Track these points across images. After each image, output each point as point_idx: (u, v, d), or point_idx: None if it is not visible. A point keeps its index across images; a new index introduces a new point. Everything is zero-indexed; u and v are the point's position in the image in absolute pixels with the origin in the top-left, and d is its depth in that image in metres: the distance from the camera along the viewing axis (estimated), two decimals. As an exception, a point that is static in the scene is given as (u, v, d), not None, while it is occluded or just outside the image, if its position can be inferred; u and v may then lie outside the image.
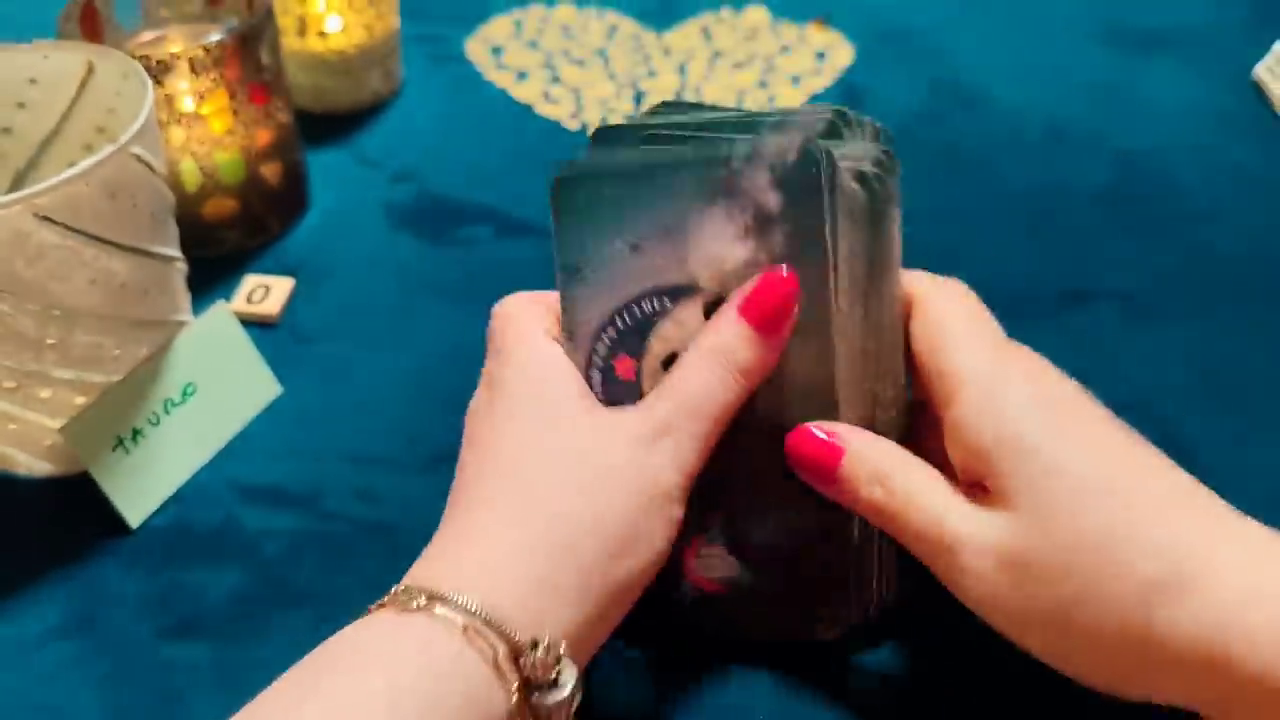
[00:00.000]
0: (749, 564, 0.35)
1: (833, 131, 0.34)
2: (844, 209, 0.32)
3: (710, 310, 0.33)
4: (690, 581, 0.35)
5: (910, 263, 0.53)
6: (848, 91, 0.68)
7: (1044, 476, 0.29)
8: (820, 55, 0.71)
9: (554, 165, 0.36)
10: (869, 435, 0.33)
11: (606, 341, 0.34)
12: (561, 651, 0.28)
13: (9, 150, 0.45)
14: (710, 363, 0.32)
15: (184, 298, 0.44)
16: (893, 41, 0.72)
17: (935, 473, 0.32)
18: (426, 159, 0.62)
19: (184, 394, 0.43)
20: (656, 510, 0.31)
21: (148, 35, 0.54)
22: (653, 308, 0.34)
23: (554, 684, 0.28)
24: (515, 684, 0.28)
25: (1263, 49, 0.67)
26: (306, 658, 0.28)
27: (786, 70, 0.70)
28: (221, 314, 0.45)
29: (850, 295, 0.33)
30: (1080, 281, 0.52)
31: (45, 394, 0.39)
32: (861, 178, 0.33)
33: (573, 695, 0.29)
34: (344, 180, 0.60)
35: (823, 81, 0.69)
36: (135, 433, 0.42)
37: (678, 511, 0.32)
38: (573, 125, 0.65)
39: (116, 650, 0.38)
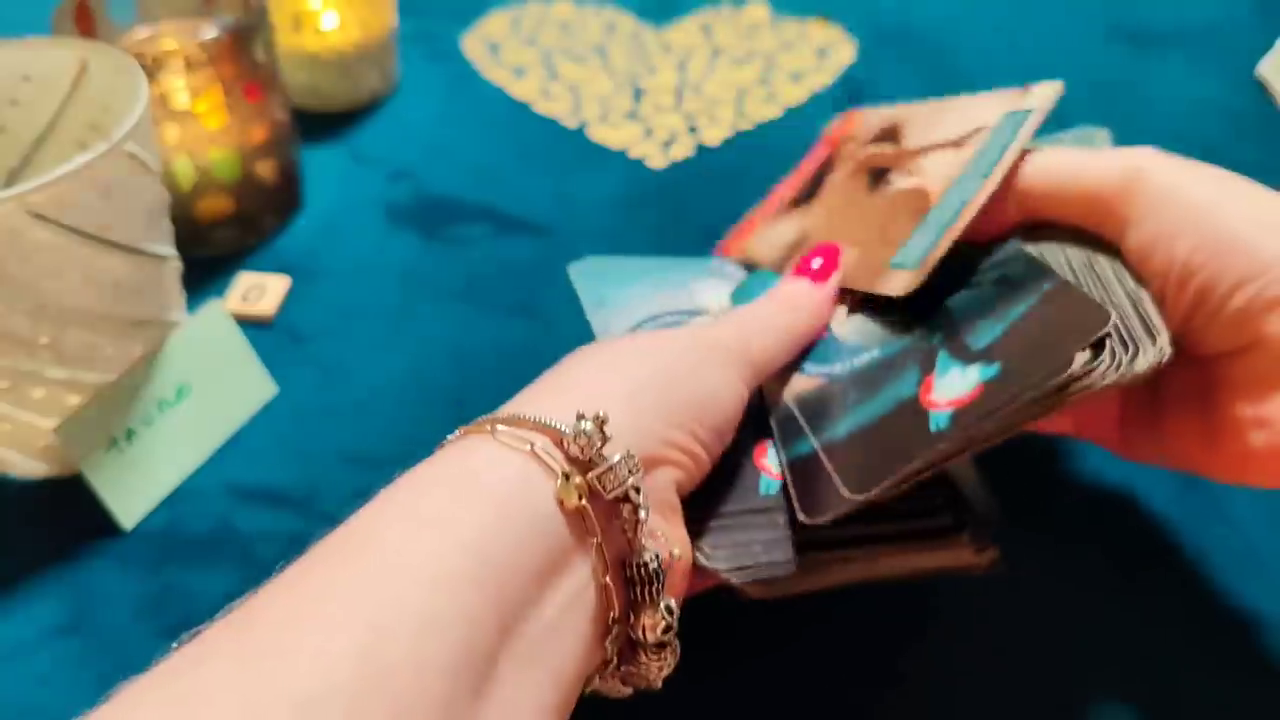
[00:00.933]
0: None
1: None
2: None
3: None
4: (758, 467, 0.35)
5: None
6: (849, 89, 0.67)
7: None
8: (822, 52, 0.71)
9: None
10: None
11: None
12: (601, 419, 0.27)
13: (1, 147, 0.44)
14: (771, 297, 0.37)
15: (178, 297, 0.44)
16: (895, 38, 0.72)
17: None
18: (423, 157, 0.62)
19: (178, 394, 0.43)
20: (711, 360, 0.32)
21: (142, 32, 0.54)
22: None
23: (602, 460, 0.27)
24: (562, 468, 0.26)
25: (1267, 46, 0.67)
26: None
27: (788, 67, 0.70)
28: (216, 313, 0.45)
29: None
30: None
31: (39, 394, 0.39)
32: None
33: (629, 470, 0.27)
34: (340, 178, 0.60)
35: (824, 79, 0.68)
36: (129, 433, 0.41)
37: (734, 377, 0.32)
38: (571, 123, 0.65)
39: (111, 652, 0.38)
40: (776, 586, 0.32)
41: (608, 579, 0.26)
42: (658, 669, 0.28)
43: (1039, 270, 0.33)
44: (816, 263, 0.38)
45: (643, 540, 0.27)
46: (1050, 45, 0.71)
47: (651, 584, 0.27)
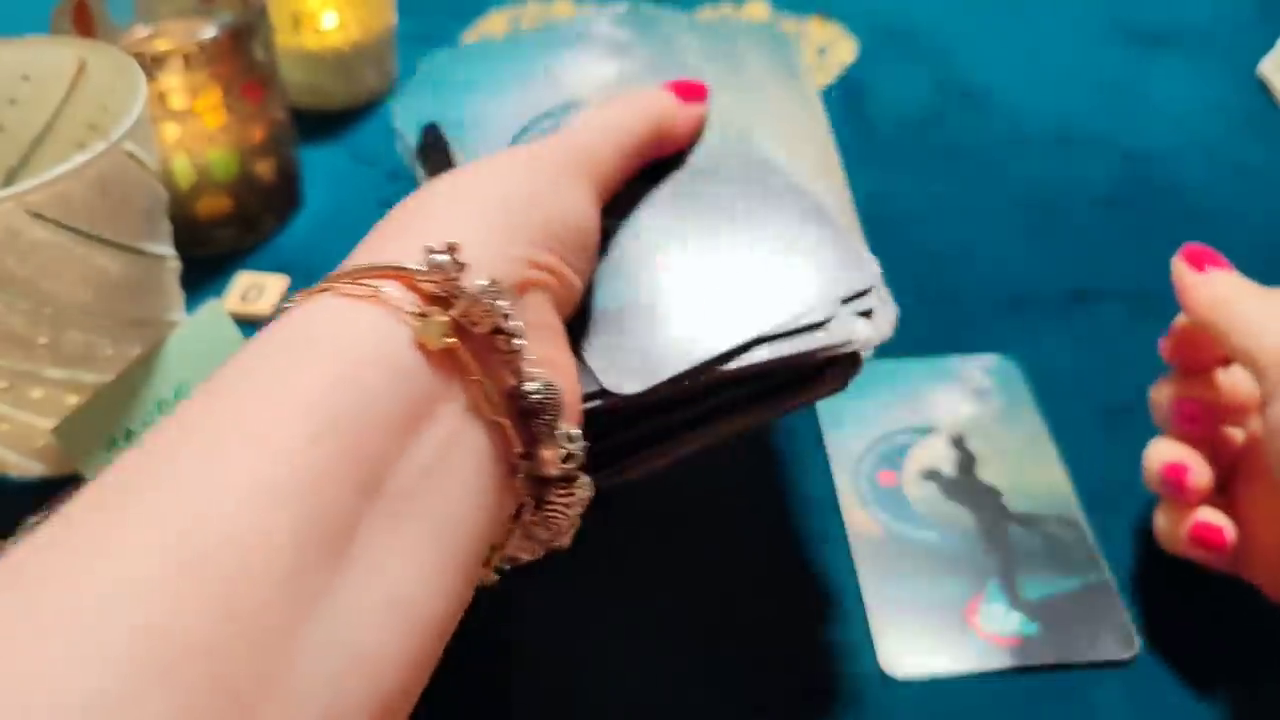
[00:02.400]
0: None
1: None
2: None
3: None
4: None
5: (913, 262, 0.53)
6: (850, 88, 0.67)
7: None
8: (822, 51, 0.71)
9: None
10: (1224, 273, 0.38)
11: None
12: (453, 247, 0.25)
13: (0, 147, 0.44)
14: (629, 99, 0.35)
15: (177, 296, 0.44)
16: (896, 38, 0.72)
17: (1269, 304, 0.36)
18: (423, 156, 0.61)
19: (177, 394, 0.43)
20: (559, 177, 0.30)
21: (141, 31, 0.54)
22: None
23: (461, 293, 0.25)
24: (416, 309, 0.24)
25: (1268, 46, 0.67)
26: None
27: (787, 67, 0.69)
28: (215, 313, 0.44)
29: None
30: (1085, 281, 0.52)
31: (37, 394, 0.39)
32: None
33: (496, 297, 0.25)
34: (339, 178, 0.60)
35: (824, 78, 0.68)
36: (128, 433, 0.41)
37: (583, 191, 0.31)
38: (571, 122, 0.65)
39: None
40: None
41: (500, 418, 0.25)
42: (567, 508, 0.26)
43: None
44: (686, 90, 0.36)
45: (525, 369, 0.25)
46: (1051, 45, 0.71)
47: (542, 414, 0.25)
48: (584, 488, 0.27)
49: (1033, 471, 0.42)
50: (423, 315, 0.24)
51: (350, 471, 0.21)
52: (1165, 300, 0.51)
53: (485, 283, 0.25)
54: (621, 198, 0.33)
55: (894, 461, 0.42)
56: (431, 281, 0.24)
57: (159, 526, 0.19)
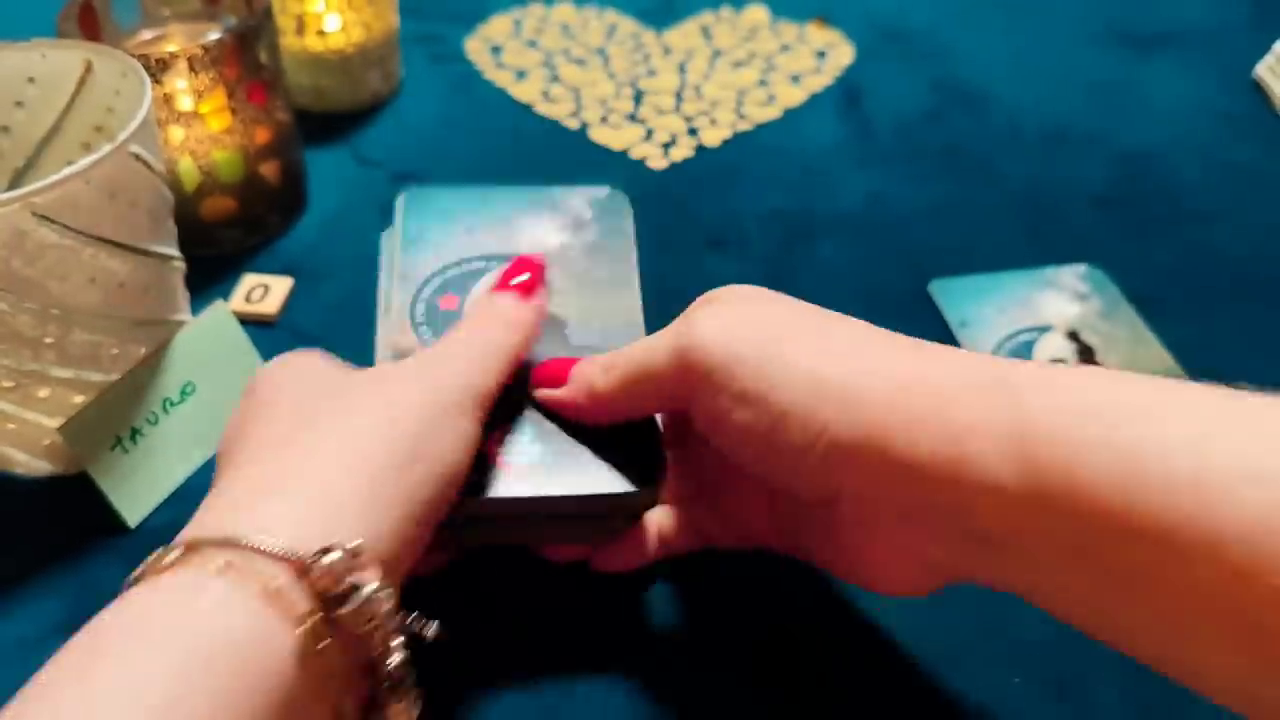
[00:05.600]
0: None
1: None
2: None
3: None
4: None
5: (914, 262, 0.53)
6: (848, 91, 0.68)
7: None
8: (820, 54, 0.71)
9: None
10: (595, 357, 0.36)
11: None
12: (353, 550, 0.25)
13: (7, 149, 0.45)
14: (483, 310, 0.37)
15: (183, 297, 0.44)
16: (893, 41, 0.72)
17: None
18: (425, 158, 0.62)
19: (183, 393, 0.43)
20: (447, 422, 0.31)
21: (146, 34, 0.54)
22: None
23: (354, 592, 0.25)
24: (305, 607, 0.25)
25: (1263, 48, 0.67)
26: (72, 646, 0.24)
27: (787, 69, 0.70)
28: (220, 313, 0.45)
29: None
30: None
31: (44, 393, 0.39)
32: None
33: (382, 601, 0.26)
34: (343, 179, 0.60)
35: (823, 80, 0.69)
36: (134, 432, 0.41)
37: (468, 427, 0.32)
38: (572, 124, 0.65)
39: (115, 650, 0.38)
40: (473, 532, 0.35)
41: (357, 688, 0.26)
42: None
43: None
44: (523, 278, 0.37)
45: (393, 650, 0.26)
46: (1047, 47, 0.71)
47: (401, 683, 0.26)
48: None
49: (1145, 357, 0.48)
50: (309, 619, 0.24)
51: None
52: (1164, 299, 0.51)
53: (375, 585, 0.25)
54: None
55: (1026, 355, 0.48)
56: (323, 580, 0.25)
57: None
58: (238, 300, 0.51)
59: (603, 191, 0.45)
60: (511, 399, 0.36)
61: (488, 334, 0.35)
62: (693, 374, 0.32)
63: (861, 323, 0.32)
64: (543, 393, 0.36)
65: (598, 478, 0.35)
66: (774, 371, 0.30)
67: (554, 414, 0.36)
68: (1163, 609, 0.24)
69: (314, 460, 0.28)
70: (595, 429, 0.36)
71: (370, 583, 0.25)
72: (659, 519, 0.38)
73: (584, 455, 0.35)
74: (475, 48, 0.73)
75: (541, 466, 0.35)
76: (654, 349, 0.33)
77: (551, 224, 0.44)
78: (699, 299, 0.35)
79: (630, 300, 0.41)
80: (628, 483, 0.35)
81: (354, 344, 0.50)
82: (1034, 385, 0.27)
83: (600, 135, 0.64)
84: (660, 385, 0.33)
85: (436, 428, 0.31)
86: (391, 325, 0.40)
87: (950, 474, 0.27)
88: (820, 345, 0.30)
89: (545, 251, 0.42)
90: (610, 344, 0.37)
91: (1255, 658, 0.23)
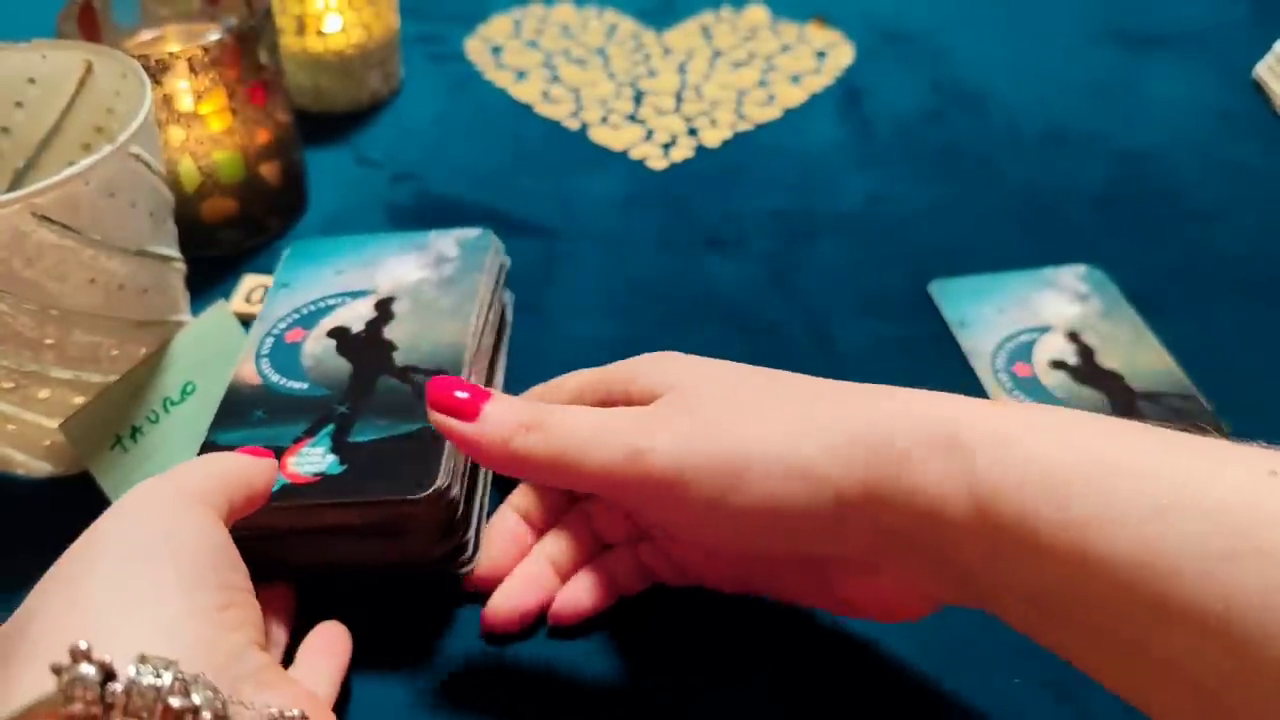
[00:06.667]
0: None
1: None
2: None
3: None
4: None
5: (914, 262, 0.53)
6: (848, 91, 0.68)
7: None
8: (820, 55, 0.71)
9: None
10: (508, 396, 0.33)
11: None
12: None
13: (7, 150, 0.45)
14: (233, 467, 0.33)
15: (183, 298, 0.44)
16: (893, 41, 0.72)
17: (579, 406, 0.33)
18: (426, 159, 0.62)
19: (183, 393, 0.43)
20: (220, 528, 0.30)
21: (146, 34, 0.54)
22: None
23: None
24: None
25: (1263, 48, 0.67)
26: None
27: (787, 69, 0.70)
28: (220, 313, 0.45)
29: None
30: (1080, 281, 0.52)
31: (44, 394, 0.39)
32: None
33: (166, 684, 0.23)
34: (343, 180, 0.60)
35: (823, 80, 0.69)
36: (134, 431, 0.41)
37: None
38: (572, 125, 0.65)
39: (115, 650, 0.38)
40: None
41: None
42: None
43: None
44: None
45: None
46: (1047, 47, 0.71)
47: None
48: None
49: (1145, 358, 0.48)
50: None
51: None
52: (1164, 299, 0.51)
53: (134, 671, 0.23)
54: None
55: (1025, 356, 0.48)
56: (82, 701, 0.22)
57: None
58: (238, 301, 0.51)
59: (474, 233, 0.47)
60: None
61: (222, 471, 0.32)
62: (647, 484, 0.30)
63: (800, 378, 0.32)
64: (440, 420, 0.33)
65: (372, 487, 0.35)
66: (731, 483, 0.29)
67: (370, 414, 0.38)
68: (1118, 663, 0.26)
69: (98, 607, 0.26)
70: (393, 439, 0.36)
71: (130, 668, 0.23)
72: (610, 563, 0.37)
73: (367, 465, 0.36)
74: (475, 48, 0.73)
75: (323, 477, 0.36)
76: (600, 443, 0.31)
77: (415, 262, 0.45)
78: (634, 371, 0.34)
79: (462, 327, 0.41)
80: (399, 491, 0.35)
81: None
82: (987, 448, 0.27)
83: (600, 135, 0.64)
84: (596, 479, 0.31)
85: (204, 530, 0.29)
86: (241, 361, 0.42)
87: (928, 524, 0.28)
88: (778, 414, 0.30)
89: (403, 286, 0.44)
90: (431, 363, 0.39)
91: (1207, 715, 0.24)
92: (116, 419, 0.41)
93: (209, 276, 0.51)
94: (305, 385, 0.40)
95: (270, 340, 0.42)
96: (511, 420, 0.32)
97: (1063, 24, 0.73)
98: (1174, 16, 0.73)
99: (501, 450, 0.32)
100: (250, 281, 0.52)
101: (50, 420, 0.40)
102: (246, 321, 0.48)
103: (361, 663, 0.35)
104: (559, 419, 0.31)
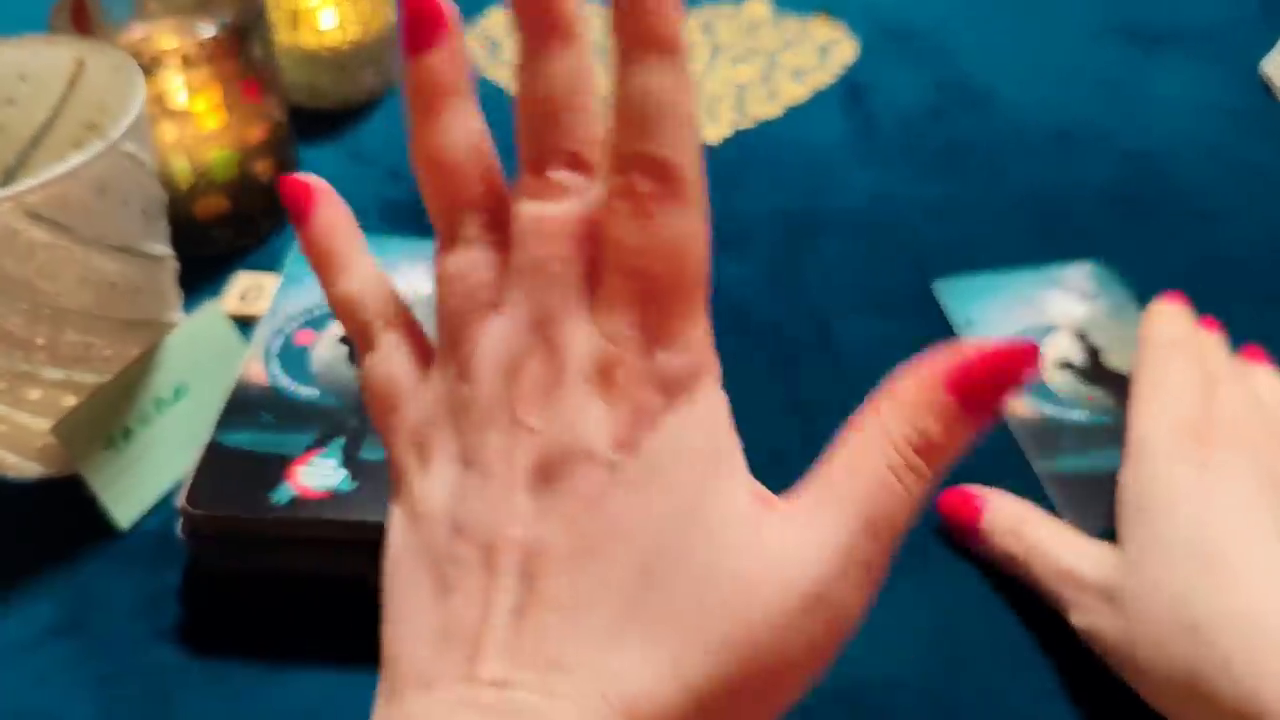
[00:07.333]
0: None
1: None
2: None
3: None
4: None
5: (919, 261, 0.53)
6: (851, 88, 0.67)
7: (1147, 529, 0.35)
8: (823, 50, 0.71)
9: None
10: (1005, 494, 0.39)
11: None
12: None
13: (-2, 146, 0.44)
14: None
15: (175, 297, 0.44)
16: (897, 37, 0.72)
17: (1059, 524, 0.38)
18: (423, 156, 0.61)
19: (175, 394, 0.43)
20: None
21: (139, 30, 0.54)
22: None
23: None
24: None
25: (1271, 45, 0.67)
26: None
27: (789, 65, 0.69)
28: (213, 313, 0.44)
29: None
30: (1086, 280, 0.52)
31: (35, 395, 0.39)
32: None
33: None
34: (337, 178, 0.58)
35: (826, 77, 0.68)
36: (126, 432, 0.41)
37: None
38: (571, 121, 0.64)
39: (108, 652, 0.38)
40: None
41: None
42: None
43: None
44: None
45: None
46: (1053, 43, 0.71)
47: None
48: None
49: None
50: None
51: None
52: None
53: None
54: None
55: None
56: None
57: None
58: (231, 300, 0.50)
59: None
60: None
61: None
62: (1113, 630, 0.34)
63: None
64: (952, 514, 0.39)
65: (361, 508, 0.36)
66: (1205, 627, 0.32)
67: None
68: None
69: None
70: None
71: None
72: None
73: (380, 486, 0.36)
74: (472, 43, 0.72)
75: (334, 494, 0.36)
76: (1087, 570, 0.35)
77: (428, 272, 0.44)
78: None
79: None
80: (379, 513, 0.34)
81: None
82: None
83: (600, 132, 0.63)
84: (1058, 593, 0.36)
85: None
86: (248, 358, 0.42)
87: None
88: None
89: (419, 298, 0.42)
90: None
91: None
92: (108, 420, 0.41)
93: (201, 275, 0.51)
94: (316, 393, 0.40)
95: (280, 340, 0.43)
96: (1011, 519, 0.38)
97: (1069, 20, 0.73)
98: (1182, 13, 0.73)
99: (995, 542, 0.38)
100: (243, 280, 0.51)
101: (41, 421, 0.39)
102: (239, 321, 0.47)
103: (361, 662, 0.35)
104: (1047, 537, 0.37)
